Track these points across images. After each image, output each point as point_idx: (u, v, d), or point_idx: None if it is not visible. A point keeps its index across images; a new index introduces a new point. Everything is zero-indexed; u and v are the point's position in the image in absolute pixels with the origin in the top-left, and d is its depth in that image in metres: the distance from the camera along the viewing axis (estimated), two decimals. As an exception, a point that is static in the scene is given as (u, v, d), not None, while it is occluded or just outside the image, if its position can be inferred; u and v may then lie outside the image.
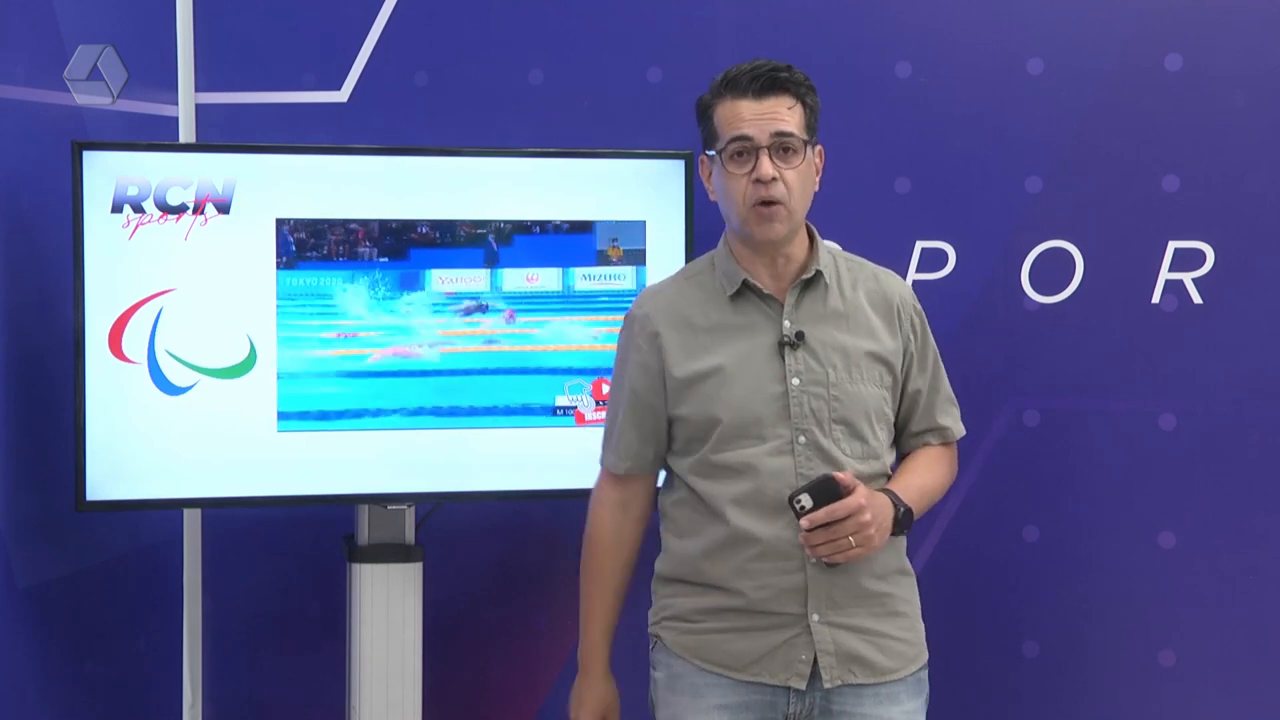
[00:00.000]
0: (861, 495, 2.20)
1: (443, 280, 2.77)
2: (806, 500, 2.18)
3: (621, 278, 2.81)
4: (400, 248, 2.76)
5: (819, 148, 2.34)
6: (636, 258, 2.81)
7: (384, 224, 2.75)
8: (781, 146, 2.27)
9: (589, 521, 2.47)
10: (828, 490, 2.19)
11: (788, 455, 2.28)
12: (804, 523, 2.18)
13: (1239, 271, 2.86)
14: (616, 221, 2.81)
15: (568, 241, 2.79)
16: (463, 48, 3.02)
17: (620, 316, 2.49)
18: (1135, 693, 2.92)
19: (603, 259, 2.80)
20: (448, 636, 3.03)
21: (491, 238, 2.77)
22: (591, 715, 2.43)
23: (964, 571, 2.93)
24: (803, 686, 2.27)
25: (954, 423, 2.45)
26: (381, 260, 2.75)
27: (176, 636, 3.10)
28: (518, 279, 2.78)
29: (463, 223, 2.77)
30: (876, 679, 2.30)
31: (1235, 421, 2.88)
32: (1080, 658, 2.93)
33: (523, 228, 2.78)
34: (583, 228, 2.79)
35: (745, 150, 2.27)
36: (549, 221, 2.79)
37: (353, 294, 2.75)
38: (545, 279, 2.79)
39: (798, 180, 2.28)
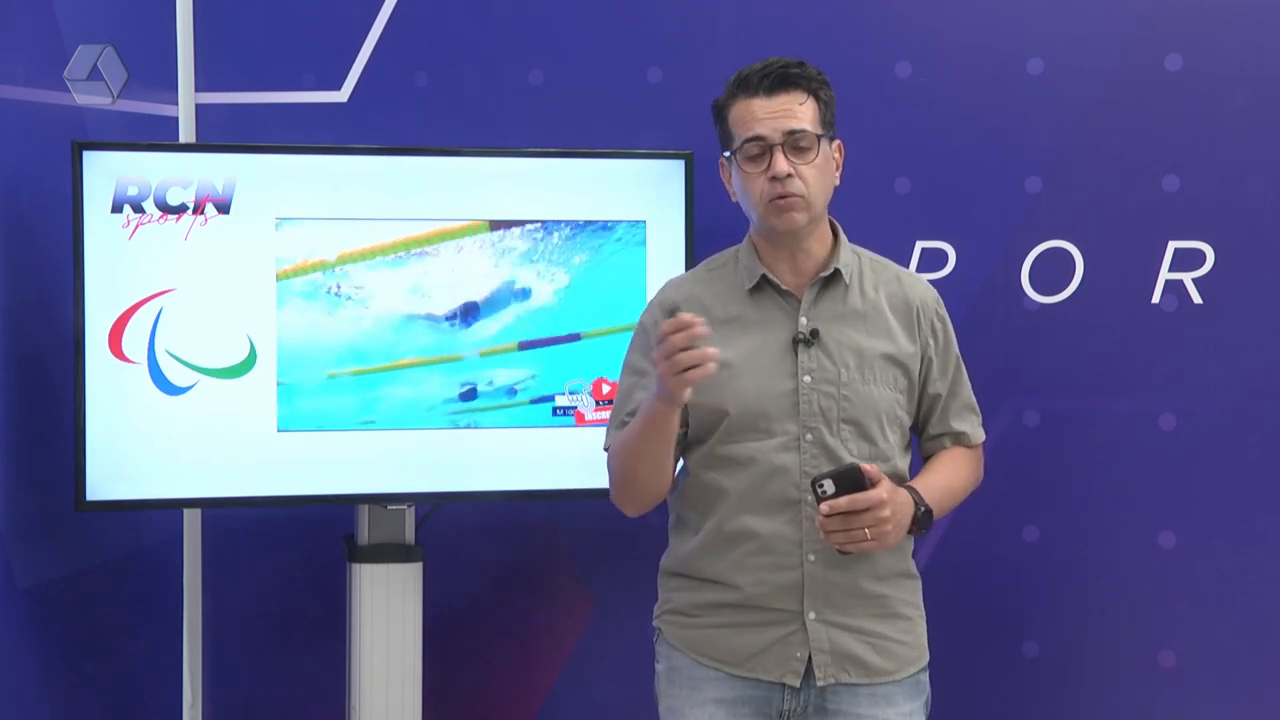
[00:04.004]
0: (885, 490, 2.18)
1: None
2: (830, 486, 2.16)
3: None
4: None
5: (837, 142, 2.34)
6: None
7: (382, 224, 2.76)
8: (794, 144, 2.27)
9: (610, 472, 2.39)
10: (852, 479, 2.17)
11: (794, 452, 2.28)
12: (824, 508, 2.15)
13: (1239, 271, 2.86)
14: (617, 222, 2.82)
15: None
16: (463, 48, 3.02)
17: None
18: (1135, 693, 2.92)
19: None
20: (448, 636, 3.03)
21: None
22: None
23: (964, 571, 2.93)
24: (796, 684, 2.27)
25: (972, 429, 2.44)
26: (382, 260, 2.76)
27: (176, 636, 3.10)
28: None
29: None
30: (872, 679, 2.29)
31: (1235, 421, 2.88)
32: (1080, 658, 2.93)
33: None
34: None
35: (760, 150, 2.27)
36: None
37: (353, 294, 2.75)
38: None
39: (814, 175, 2.27)
